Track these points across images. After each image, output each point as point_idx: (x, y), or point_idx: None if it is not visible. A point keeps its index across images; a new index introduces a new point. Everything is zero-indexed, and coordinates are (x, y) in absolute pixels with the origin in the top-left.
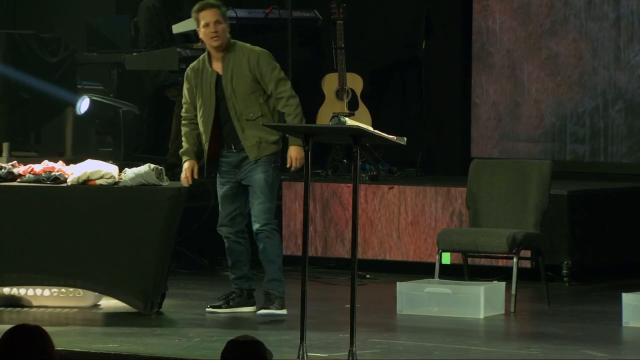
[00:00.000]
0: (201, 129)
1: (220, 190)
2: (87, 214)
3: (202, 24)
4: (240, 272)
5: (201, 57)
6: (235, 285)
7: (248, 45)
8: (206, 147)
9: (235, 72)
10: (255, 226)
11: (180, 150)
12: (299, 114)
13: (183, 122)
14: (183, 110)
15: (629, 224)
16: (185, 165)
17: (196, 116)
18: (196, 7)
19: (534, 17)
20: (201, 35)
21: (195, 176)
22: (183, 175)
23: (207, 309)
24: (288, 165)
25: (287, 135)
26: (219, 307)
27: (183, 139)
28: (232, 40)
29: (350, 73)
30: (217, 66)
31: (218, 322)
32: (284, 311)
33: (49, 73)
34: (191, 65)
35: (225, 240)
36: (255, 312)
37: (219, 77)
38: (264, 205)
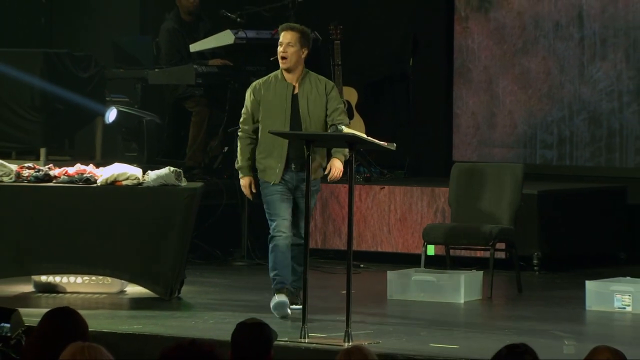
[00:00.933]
0: (265, 140)
1: (275, 196)
2: (115, 211)
3: (279, 42)
4: (289, 273)
5: (272, 74)
6: (284, 284)
7: (320, 76)
8: (283, 161)
9: (314, 96)
10: (295, 240)
11: (237, 165)
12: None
13: (240, 133)
14: (241, 120)
15: (592, 219)
16: (243, 182)
17: (255, 131)
18: (281, 26)
19: (508, 37)
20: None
21: (254, 190)
22: (245, 192)
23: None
24: (327, 173)
25: (332, 149)
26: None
27: (238, 152)
28: (307, 69)
29: (346, 87)
30: (295, 82)
31: (230, 307)
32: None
33: (81, 87)
34: (260, 79)
35: (282, 245)
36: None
37: (295, 95)
38: (304, 227)
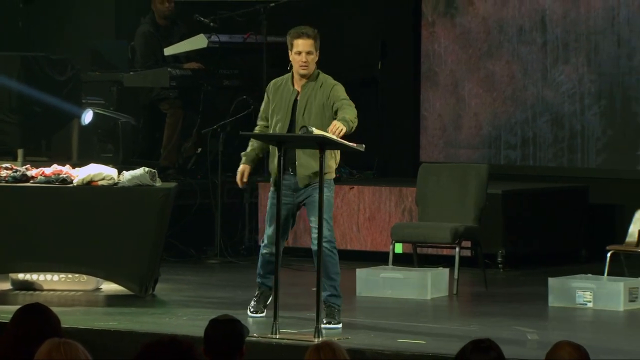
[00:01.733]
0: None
1: (273, 208)
2: (91, 211)
3: (295, 50)
4: (268, 279)
5: (286, 75)
6: (265, 286)
7: (330, 77)
8: (277, 161)
9: (315, 97)
10: (322, 243)
11: (243, 152)
12: (352, 120)
13: (256, 128)
14: (259, 117)
15: (554, 218)
16: (239, 169)
17: (267, 127)
18: (294, 32)
19: (474, 42)
20: (291, 59)
21: (245, 179)
22: (237, 177)
23: (249, 315)
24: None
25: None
26: (258, 311)
27: (250, 142)
28: (317, 70)
29: None
30: (299, 87)
31: (203, 304)
32: (340, 324)
33: (58, 89)
34: (275, 80)
35: (262, 255)
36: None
37: (296, 99)
38: (327, 222)
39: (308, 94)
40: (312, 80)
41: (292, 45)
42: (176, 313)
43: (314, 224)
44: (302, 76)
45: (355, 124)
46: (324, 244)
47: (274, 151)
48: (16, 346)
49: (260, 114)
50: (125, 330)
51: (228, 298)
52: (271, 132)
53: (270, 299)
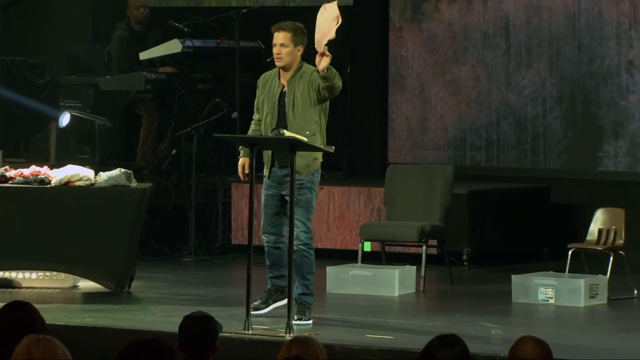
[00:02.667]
0: (264, 134)
1: (265, 199)
2: (68, 211)
3: (273, 42)
4: (278, 272)
5: (275, 69)
6: (272, 282)
7: (312, 67)
8: (269, 158)
9: (301, 90)
10: (296, 244)
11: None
12: (335, 77)
13: (252, 123)
14: (254, 110)
15: (518, 218)
16: (239, 162)
17: (260, 120)
18: (274, 25)
19: (440, 47)
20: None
21: (247, 171)
22: (239, 171)
23: (252, 312)
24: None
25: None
26: (261, 308)
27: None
28: (302, 63)
29: None
30: (284, 81)
31: (177, 301)
32: (310, 321)
33: (36, 93)
34: (265, 73)
35: (265, 245)
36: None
37: (282, 93)
38: (303, 224)
39: (293, 88)
40: (296, 73)
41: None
42: (151, 310)
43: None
44: (283, 69)
45: (338, 83)
46: (300, 246)
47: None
48: (0, 343)
49: (255, 107)
50: (102, 326)
51: (202, 295)
52: (262, 123)
53: (281, 294)
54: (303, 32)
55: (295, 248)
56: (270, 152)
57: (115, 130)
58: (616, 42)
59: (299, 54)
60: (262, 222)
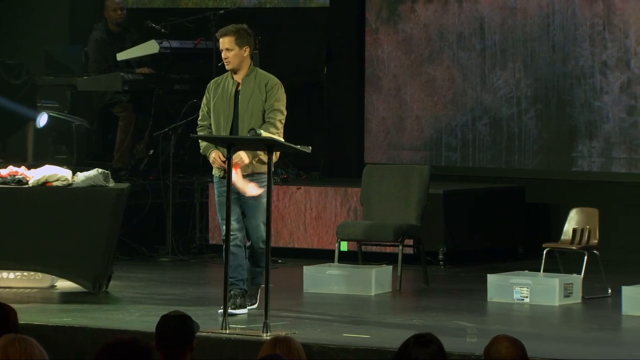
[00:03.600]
0: (215, 134)
1: (223, 197)
2: (45, 211)
3: (220, 48)
4: (241, 275)
5: (227, 73)
6: (237, 286)
7: (268, 73)
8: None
9: (255, 92)
10: (258, 242)
11: (202, 150)
12: (276, 125)
13: (199, 128)
14: (200, 117)
15: (493, 217)
16: (212, 156)
17: (210, 125)
18: (218, 32)
19: (415, 48)
20: None
21: (223, 158)
22: (217, 163)
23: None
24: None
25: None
26: (237, 307)
27: (201, 141)
28: (253, 66)
29: None
30: (239, 79)
31: (154, 300)
32: (256, 304)
33: (13, 93)
34: (215, 78)
35: (230, 244)
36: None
37: (237, 91)
38: (260, 223)
39: (249, 87)
40: (251, 75)
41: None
42: (129, 309)
43: (249, 223)
44: (233, 72)
45: (280, 130)
46: (258, 244)
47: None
48: None
49: (202, 114)
50: (79, 326)
51: (179, 295)
52: (214, 126)
53: (243, 293)
54: (247, 33)
55: (262, 247)
56: (224, 150)
57: (92, 131)
58: (590, 43)
59: (246, 54)
60: (224, 226)
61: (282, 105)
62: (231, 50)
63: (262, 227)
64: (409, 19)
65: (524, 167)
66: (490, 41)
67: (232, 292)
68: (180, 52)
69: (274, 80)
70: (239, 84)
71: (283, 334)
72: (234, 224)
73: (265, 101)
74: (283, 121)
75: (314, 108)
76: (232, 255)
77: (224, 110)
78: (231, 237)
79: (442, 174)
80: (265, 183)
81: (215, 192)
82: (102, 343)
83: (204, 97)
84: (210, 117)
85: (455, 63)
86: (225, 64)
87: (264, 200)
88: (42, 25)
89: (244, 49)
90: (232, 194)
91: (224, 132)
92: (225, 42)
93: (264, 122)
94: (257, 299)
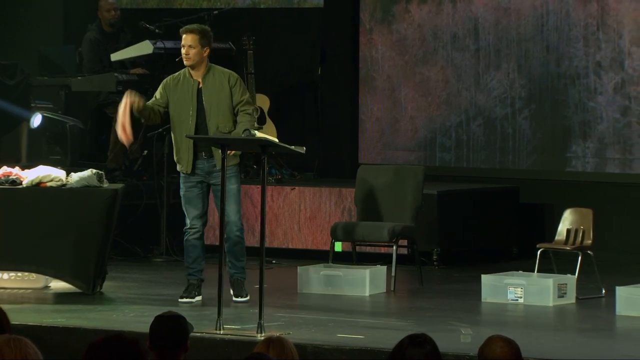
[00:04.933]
0: (178, 132)
1: (190, 192)
2: (40, 211)
3: (182, 44)
4: (200, 266)
5: (182, 71)
6: (195, 277)
7: (225, 69)
8: (191, 152)
9: (217, 89)
10: (233, 230)
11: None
12: (248, 121)
13: (150, 101)
14: (149, 102)
15: (487, 218)
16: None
17: (159, 108)
18: (183, 28)
19: (409, 48)
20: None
21: (136, 101)
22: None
23: (179, 300)
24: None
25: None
26: (187, 297)
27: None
28: (210, 64)
29: (259, 94)
30: (198, 78)
31: (149, 301)
32: (248, 296)
33: (7, 93)
34: (172, 75)
35: (189, 238)
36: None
37: (199, 89)
38: (237, 212)
39: (209, 85)
40: (211, 72)
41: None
42: (123, 310)
43: (229, 211)
44: (191, 67)
45: (251, 109)
46: (238, 232)
47: (185, 143)
48: None
49: (152, 100)
50: (73, 326)
51: (173, 295)
52: (176, 123)
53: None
54: (210, 35)
55: (238, 234)
56: (190, 146)
57: (86, 131)
58: (584, 43)
59: (206, 55)
60: (189, 219)
61: (248, 96)
62: (194, 47)
63: (235, 214)
64: (403, 19)
65: (518, 168)
66: (484, 41)
67: (190, 282)
68: (174, 52)
69: (233, 74)
70: (199, 82)
71: (276, 334)
72: (196, 219)
73: (232, 96)
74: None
75: (308, 108)
76: (192, 247)
77: (187, 109)
78: (192, 230)
79: (436, 174)
80: (237, 174)
81: (181, 189)
82: (89, 342)
83: (158, 91)
84: (158, 105)
85: (449, 63)
86: (184, 59)
87: (237, 185)
88: (36, 25)
89: (205, 49)
90: (197, 189)
91: (190, 130)
92: (188, 39)
93: (232, 116)
94: (247, 292)
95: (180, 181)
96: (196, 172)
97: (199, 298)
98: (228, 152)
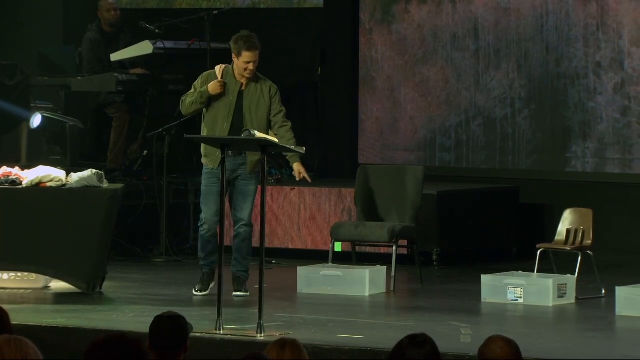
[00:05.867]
0: (211, 128)
1: (211, 187)
2: (40, 211)
3: (243, 60)
4: (214, 257)
5: (227, 69)
6: (209, 267)
7: (266, 78)
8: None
9: (258, 96)
10: (242, 227)
11: (197, 96)
12: (292, 138)
13: (187, 94)
14: (191, 92)
15: (487, 218)
16: (211, 86)
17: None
18: (243, 42)
19: (409, 48)
20: (236, 64)
21: (219, 77)
22: (216, 86)
23: (194, 294)
24: (298, 178)
25: (286, 153)
26: (203, 290)
27: (189, 97)
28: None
29: None
30: (242, 81)
31: (148, 301)
32: (248, 292)
33: (7, 94)
34: (210, 71)
35: (205, 234)
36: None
37: (241, 92)
38: (251, 211)
39: (255, 94)
40: (254, 78)
41: (239, 52)
42: (123, 310)
43: (243, 209)
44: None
45: (293, 135)
46: (248, 229)
47: (211, 134)
48: None
49: (194, 86)
50: (73, 327)
51: (173, 295)
52: (210, 121)
53: (214, 281)
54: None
55: (249, 230)
56: (223, 160)
57: (86, 131)
58: (584, 43)
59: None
60: (204, 214)
61: (285, 110)
62: (256, 62)
63: (248, 213)
64: (403, 19)
65: (518, 168)
66: (484, 42)
67: (204, 271)
68: (174, 52)
69: (274, 86)
70: (242, 84)
71: (277, 334)
72: (212, 216)
73: (271, 106)
74: None
75: (308, 109)
76: (207, 243)
77: (225, 108)
78: (206, 226)
79: (436, 174)
80: (257, 176)
81: (203, 182)
82: (92, 341)
83: (198, 82)
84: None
85: (449, 64)
86: (247, 74)
87: (253, 188)
88: (36, 25)
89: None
90: (218, 186)
91: (223, 131)
92: (254, 56)
93: (266, 125)
94: (247, 289)
95: (203, 177)
96: (220, 169)
97: (212, 285)
98: (257, 158)
